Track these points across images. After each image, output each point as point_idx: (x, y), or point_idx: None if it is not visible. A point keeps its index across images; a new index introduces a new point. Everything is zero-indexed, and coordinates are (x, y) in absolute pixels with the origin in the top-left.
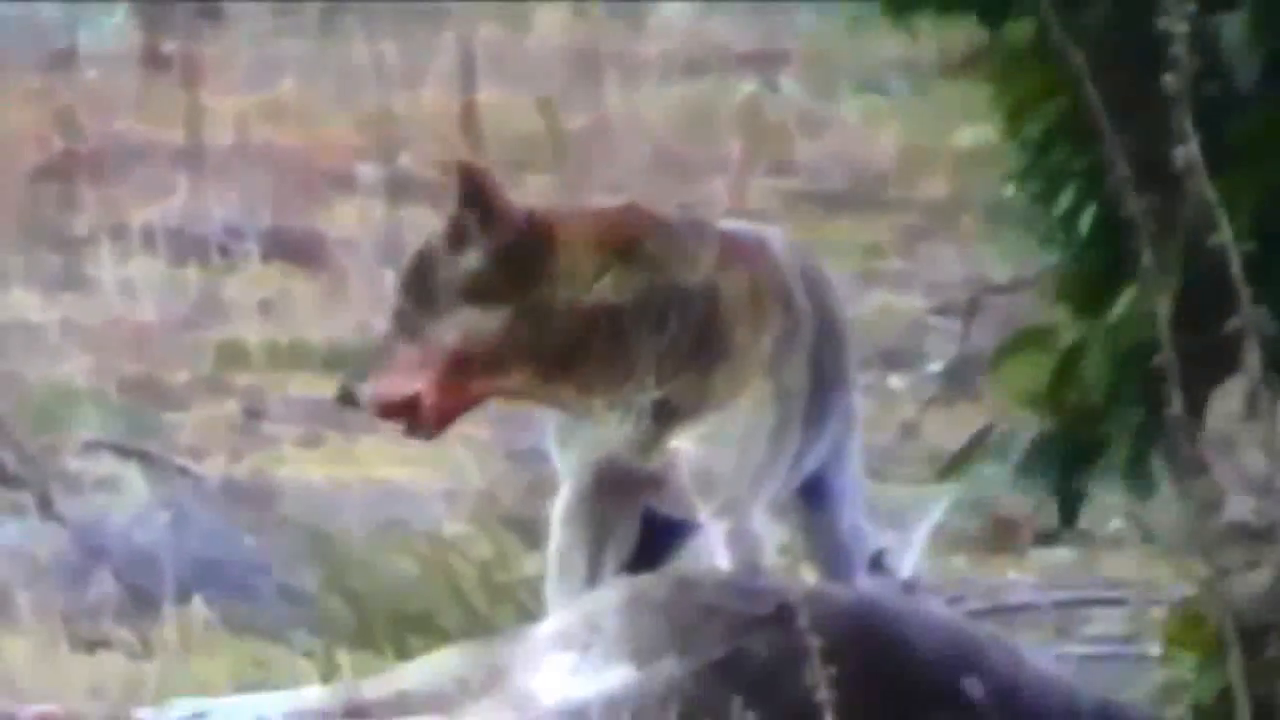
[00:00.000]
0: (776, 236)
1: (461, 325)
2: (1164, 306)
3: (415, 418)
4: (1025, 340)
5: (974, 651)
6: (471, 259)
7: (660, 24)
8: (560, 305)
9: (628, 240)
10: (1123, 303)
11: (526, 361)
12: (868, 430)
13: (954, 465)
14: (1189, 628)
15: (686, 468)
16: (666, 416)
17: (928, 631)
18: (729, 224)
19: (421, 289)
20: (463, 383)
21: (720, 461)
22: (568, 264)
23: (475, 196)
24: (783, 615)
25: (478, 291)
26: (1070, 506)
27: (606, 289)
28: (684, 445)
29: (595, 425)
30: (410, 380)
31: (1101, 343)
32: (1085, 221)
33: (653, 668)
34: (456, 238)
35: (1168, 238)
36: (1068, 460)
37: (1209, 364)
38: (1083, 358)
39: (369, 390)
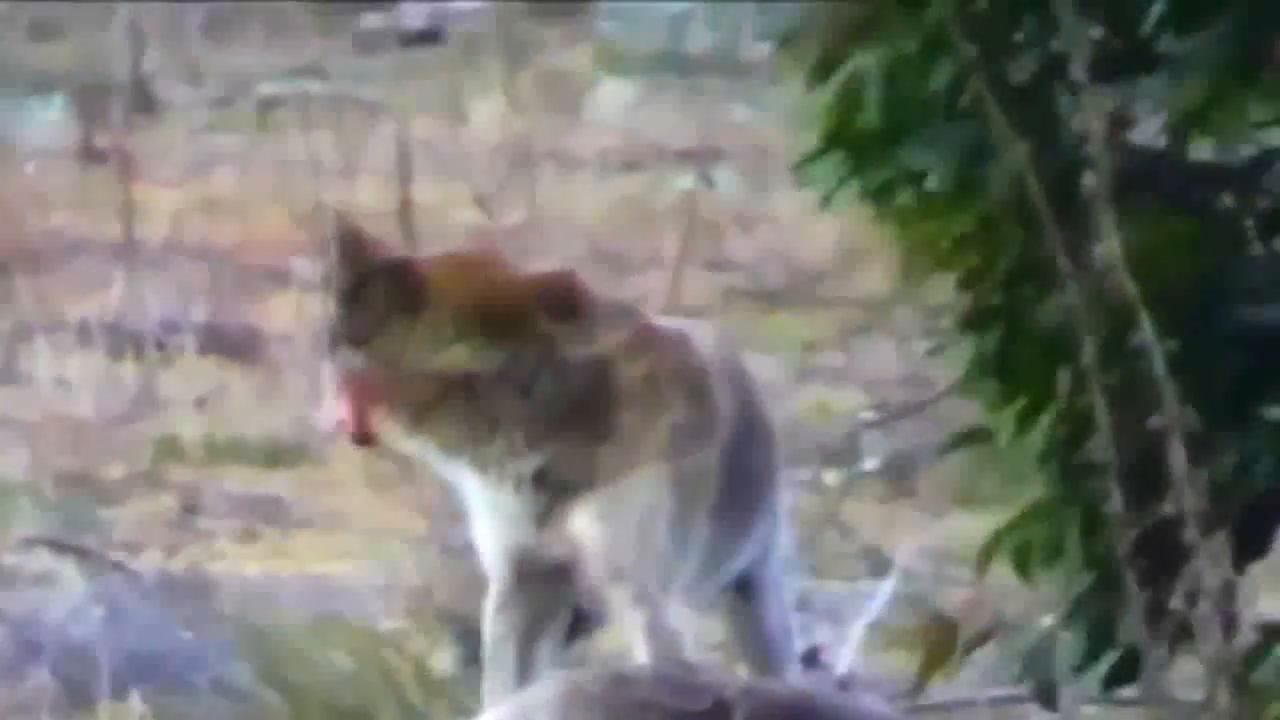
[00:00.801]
0: (704, 333)
1: (340, 362)
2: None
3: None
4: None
5: None
6: (336, 310)
7: (596, 119)
8: (409, 360)
9: (510, 310)
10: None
11: (389, 406)
12: (804, 526)
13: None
14: None
15: (590, 552)
16: (552, 488)
17: None
18: (663, 319)
19: (324, 327)
20: (377, 412)
21: (619, 543)
22: (426, 321)
23: (342, 242)
24: (719, 711)
25: (344, 332)
26: (1048, 693)
27: (459, 354)
28: (581, 525)
29: (490, 499)
30: (340, 400)
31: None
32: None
33: None
34: (330, 286)
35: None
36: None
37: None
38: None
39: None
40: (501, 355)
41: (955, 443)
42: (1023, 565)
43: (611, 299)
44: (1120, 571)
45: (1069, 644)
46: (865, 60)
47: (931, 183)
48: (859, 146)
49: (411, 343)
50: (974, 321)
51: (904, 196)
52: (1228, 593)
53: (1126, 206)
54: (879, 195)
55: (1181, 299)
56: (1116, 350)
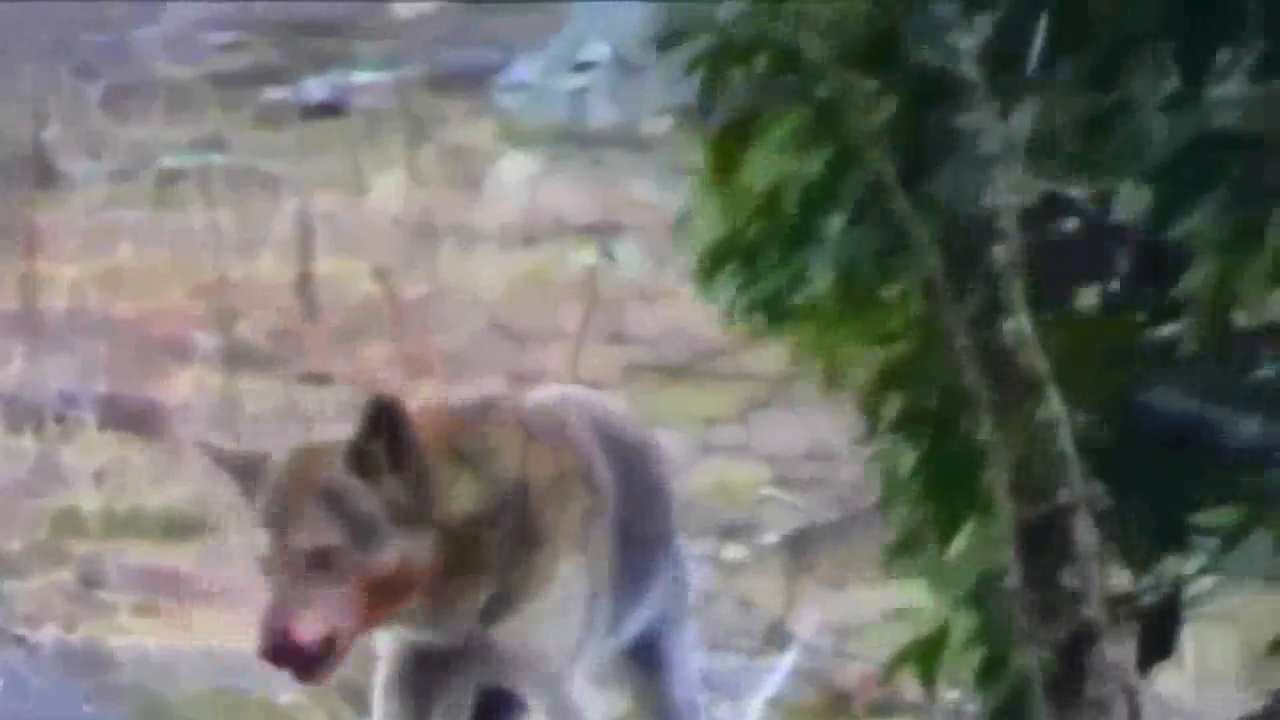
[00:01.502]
0: (576, 408)
1: (398, 550)
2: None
3: (316, 662)
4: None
5: None
6: (392, 486)
7: (497, 193)
8: (449, 519)
9: (451, 444)
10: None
11: (430, 579)
12: (704, 601)
13: None
14: None
15: (505, 648)
16: (494, 610)
17: None
18: (527, 397)
19: (346, 523)
20: (373, 616)
21: (539, 641)
22: (438, 477)
23: (387, 425)
24: None
25: (404, 516)
26: None
27: (464, 497)
28: (513, 628)
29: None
30: (327, 622)
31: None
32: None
33: None
34: (367, 466)
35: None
36: None
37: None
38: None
39: (274, 635)
40: (483, 491)
41: (893, 554)
42: (928, 678)
43: (471, 402)
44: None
45: None
46: (759, 167)
47: (822, 288)
48: (749, 258)
49: (445, 500)
50: (905, 426)
51: (795, 303)
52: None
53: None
54: (771, 304)
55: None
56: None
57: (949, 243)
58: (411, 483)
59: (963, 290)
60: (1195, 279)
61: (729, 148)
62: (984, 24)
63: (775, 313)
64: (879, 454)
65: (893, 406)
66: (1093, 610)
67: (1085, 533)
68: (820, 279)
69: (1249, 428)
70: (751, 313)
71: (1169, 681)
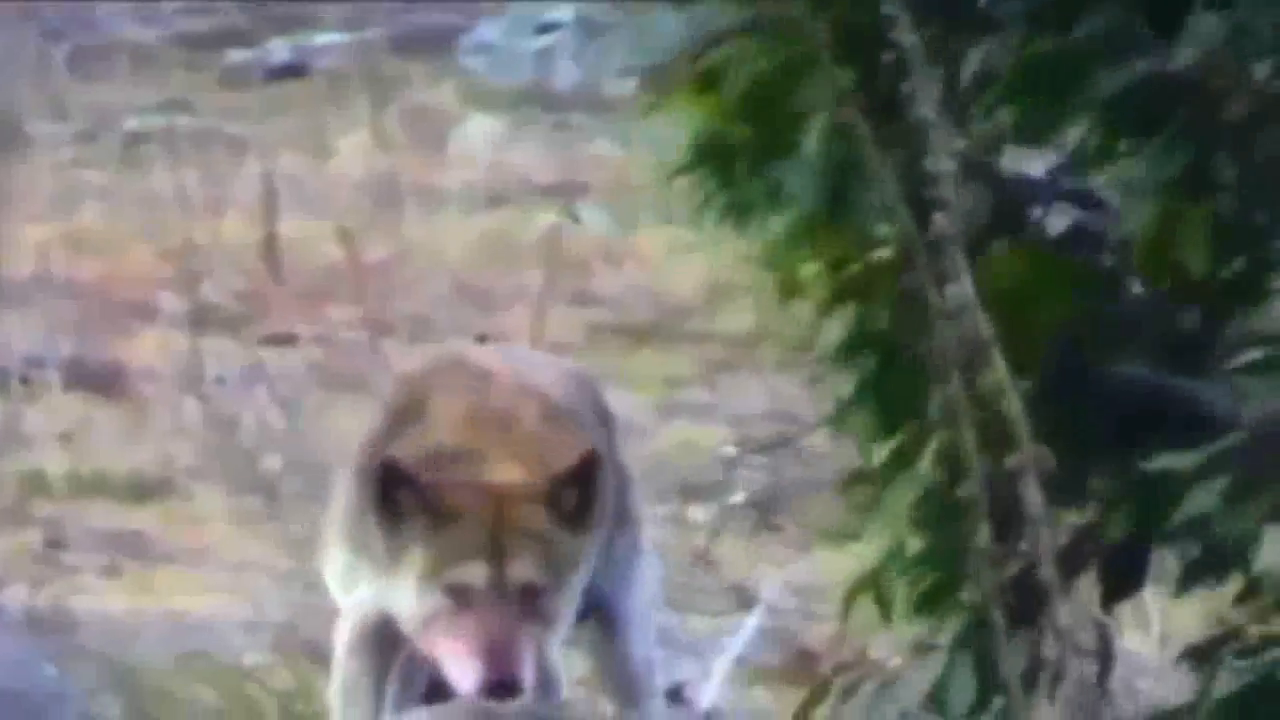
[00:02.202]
0: (570, 379)
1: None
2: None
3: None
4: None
5: None
6: (582, 539)
7: (461, 154)
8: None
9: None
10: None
11: None
12: (668, 561)
13: None
14: None
15: None
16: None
17: None
18: (531, 360)
19: (552, 565)
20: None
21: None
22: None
23: (586, 479)
24: None
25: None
26: None
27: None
28: None
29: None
30: (533, 656)
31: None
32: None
33: None
34: (564, 514)
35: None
36: None
37: None
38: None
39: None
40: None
41: (847, 484)
42: (886, 611)
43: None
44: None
45: (957, 689)
46: (738, 76)
47: (796, 206)
48: (727, 162)
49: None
50: (853, 347)
51: (770, 219)
52: (1102, 635)
53: (999, 241)
54: (743, 214)
55: (1046, 341)
56: (977, 389)
57: (912, 180)
58: (592, 539)
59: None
60: (1133, 221)
61: (706, 71)
62: None
63: (745, 221)
64: (828, 372)
65: (845, 327)
66: (1045, 573)
67: (1034, 497)
68: (796, 191)
69: (1210, 395)
70: (722, 217)
71: (1135, 641)
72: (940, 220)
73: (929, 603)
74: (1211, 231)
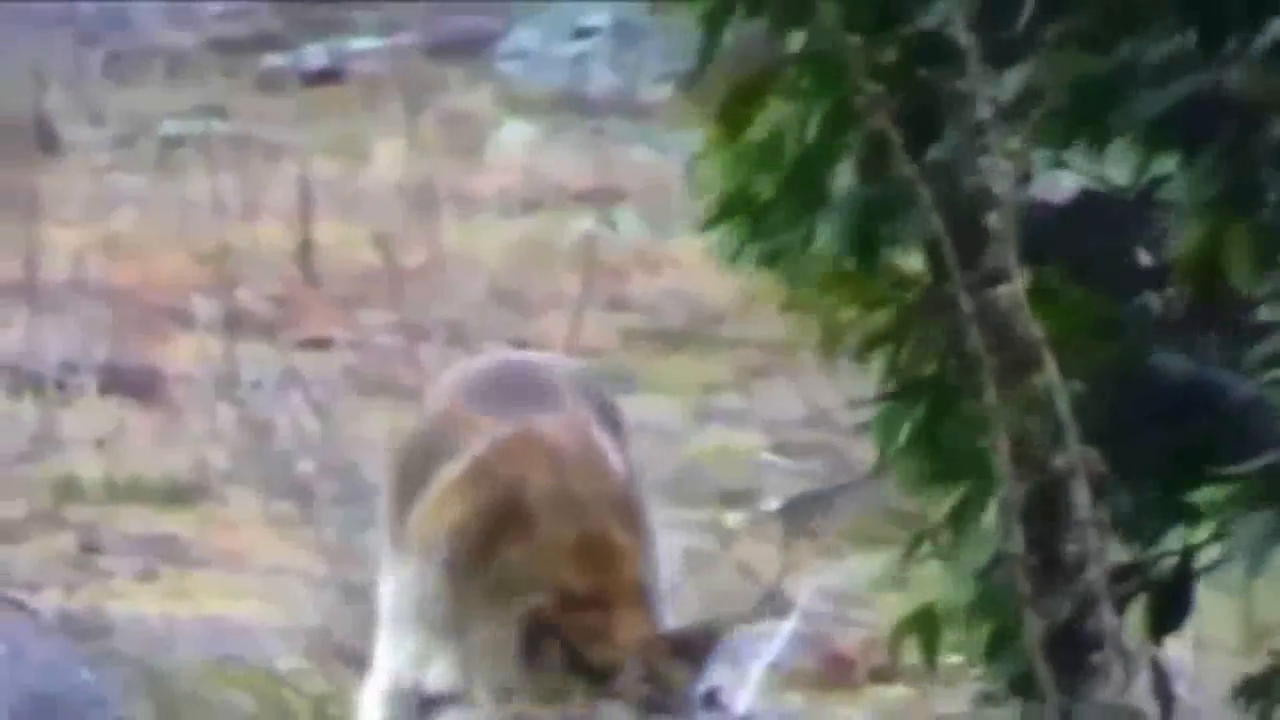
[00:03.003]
0: (572, 379)
1: None
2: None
3: None
4: None
5: None
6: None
7: (497, 160)
8: None
9: None
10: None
11: None
12: (703, 567)
13: None
14: None
15: None
16: None
17: None
18: (554, 383)
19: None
20: None
21: None
22: None
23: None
24: None
25: None
26: None
27: None
28: None
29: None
30: None
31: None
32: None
33: None
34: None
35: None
36: None
37: None
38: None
39: None
40: None
41: (912, 545)
42: (930, 652)
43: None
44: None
45: None
46: (766, 123)
47: (828, 249)
48: (757, 213)
49: None
50: (903, 392)
51: (800, 260)
52: (1158, 674)
53: (1039, 272)
54: (775, 259)
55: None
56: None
57: (951, 206)
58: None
59: (966, 253)
60: (1181, 243)
61: (739, 107)
62: None
63: (779, 269)
64: (876, 420)
65: (891, 371)
66: (1093, 576)
67: (1083, 500)
68: (827, 239)
69: (1249, 392)
70: (756, 266)
71: (1170, 646)
72: (994, 220)
73: (987, 650)
74: (1257, 246)
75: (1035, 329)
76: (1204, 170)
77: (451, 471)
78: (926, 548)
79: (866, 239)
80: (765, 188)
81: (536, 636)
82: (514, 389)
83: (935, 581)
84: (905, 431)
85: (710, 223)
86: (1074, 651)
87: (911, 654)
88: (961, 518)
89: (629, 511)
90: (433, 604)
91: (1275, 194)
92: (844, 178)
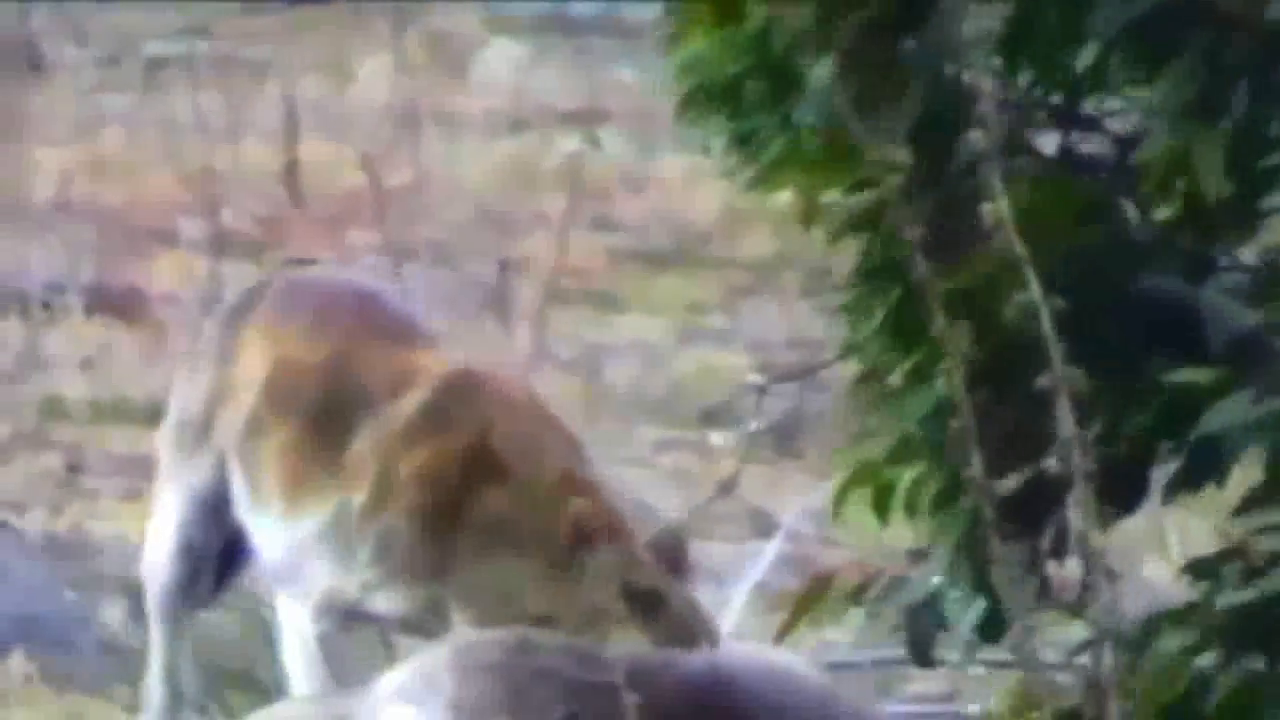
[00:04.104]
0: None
1: None
2: (957, 376)
3: None
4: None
5: None
6: None
7: (483, 80)
8: None
9: None
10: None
11: None
12: (688, 487)
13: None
14: (1017, 712)
15: None
16: None
17: (784, 709)
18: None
19: None
20: None
21: None
22: None
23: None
24: (632, 682)
25: None
26: (922, 648)
27: None
28: None
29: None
30: None
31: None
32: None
33: None
34: None
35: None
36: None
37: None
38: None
39: None
40: None
41: (857, 383)
42: (881, 508)
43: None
44: (987, 528)
45: (950, 599)
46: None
47: (809, 137)
48: (734, 96)
49: None
50: (873, 274)
51: (774, 142)
52: (1094, 552)
53: (1013, 168)
54: (749, 144)
55: (1067, 262)
56: (999, 314)
57: (933, 100)
58: None
59: (946, 143)
60: (1150, 150)
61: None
62: None
63: (757, 154)
64: (848, 304)
65: (866, 255)
66: (1078, 495)
67: (1066, 416)
68: (805, 124)
69: (1237, 314)
70: (732, 150)
71: (1154, 568)
72: (977, 138)
73: (931, 507)
74: (1227, 155)
75: (1020, 246)
76: (1174, 78)
77: (400, 413)
78: (871, 394)
79: (842, 125)
80: (746, 71)
81: (585, 552)
82: (383, 316)
83: (882, 439)
84: (879, 316)
85: (686, 104)
86: (1025, 533)
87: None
88: (913, 377)
89: (573, 441)
90: (396, 544)
91: (1242, 103)
92: (824, 68)
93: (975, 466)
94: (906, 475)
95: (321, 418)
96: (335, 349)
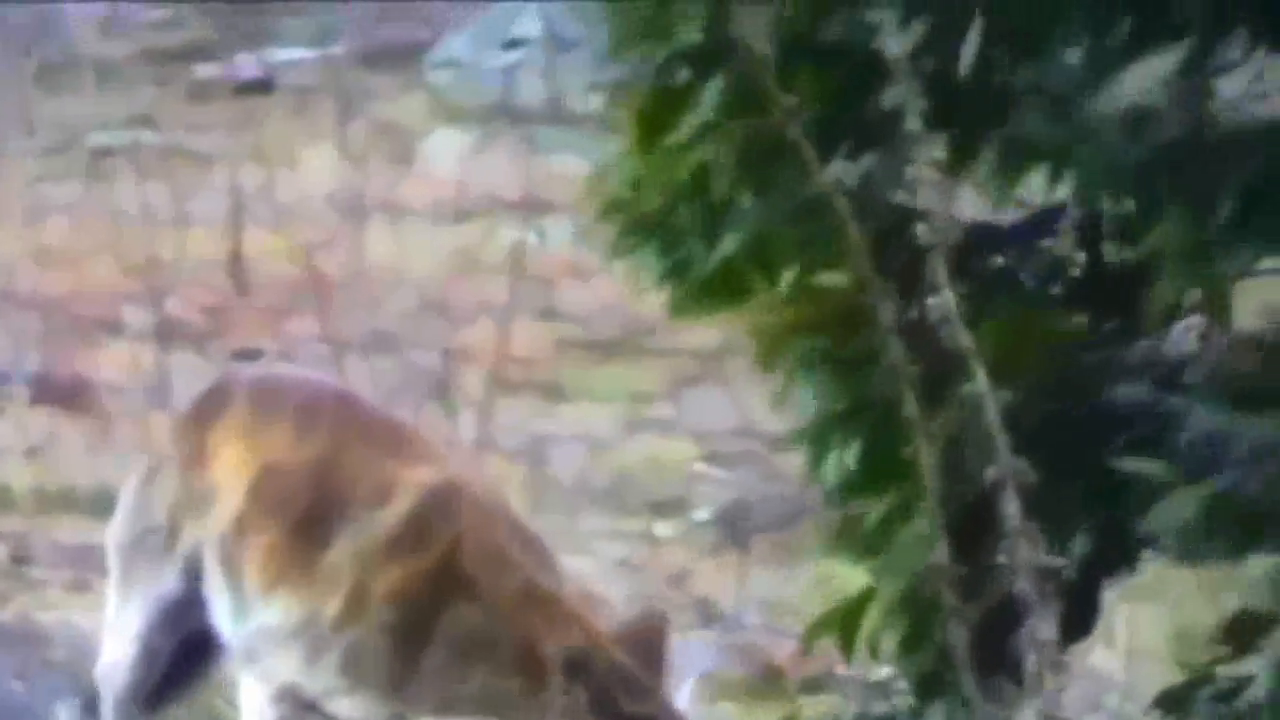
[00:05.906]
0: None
1: None
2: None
3: None
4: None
5: None
6: None
7: (428, 169)
8: None
9: None
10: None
11: None
12: (635, 578)
13: None
14: None
15: None
16: None
17: None
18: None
19: None
20: None
21: None
22: None
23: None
24: None
25: None
26: None
27: None
28: None
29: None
30: None
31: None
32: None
33: None
34: None
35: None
36: None
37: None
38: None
39: None
40: None
41: (840, 531)
42: (848, 645)
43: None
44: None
45: None
46: (684, 149)
47: (731, 260)
48: (673, 232)
49: None
50: (841, 417)
51: (703, 274)
52: (1042, 643)
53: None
54: (681, 272)
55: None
56: (948, 404)
57: (874, 220)
58: None
59: (889, 266)
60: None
61: (657, 115)
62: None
63: (690, 282)
64: (809, 436)
65: (825, 391)
66: (1021, 585)
67: (1012, 509)
68: (730, 244)
69: (1206, 417)
70: (665, 281)
71: (1101, 657)
72: (923, 231)
73: (900, 647)
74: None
75: (965, 338)
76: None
77: (380, 526)
78: (849, 549)
79: (772, 243)
80: (682, 212)
81: (571, 677)
82: (365, 420)
83: (856, 578)
84: (852, 453)
85: (624, 246)
86: (995, 660)
87: (842, 662)
88: (890, 522)
89: (543, 550)
90: (363, 658)
91: None
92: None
93: (949, 601)
94: (873, 613)
95: (304, 521)
96: (321, 453)
